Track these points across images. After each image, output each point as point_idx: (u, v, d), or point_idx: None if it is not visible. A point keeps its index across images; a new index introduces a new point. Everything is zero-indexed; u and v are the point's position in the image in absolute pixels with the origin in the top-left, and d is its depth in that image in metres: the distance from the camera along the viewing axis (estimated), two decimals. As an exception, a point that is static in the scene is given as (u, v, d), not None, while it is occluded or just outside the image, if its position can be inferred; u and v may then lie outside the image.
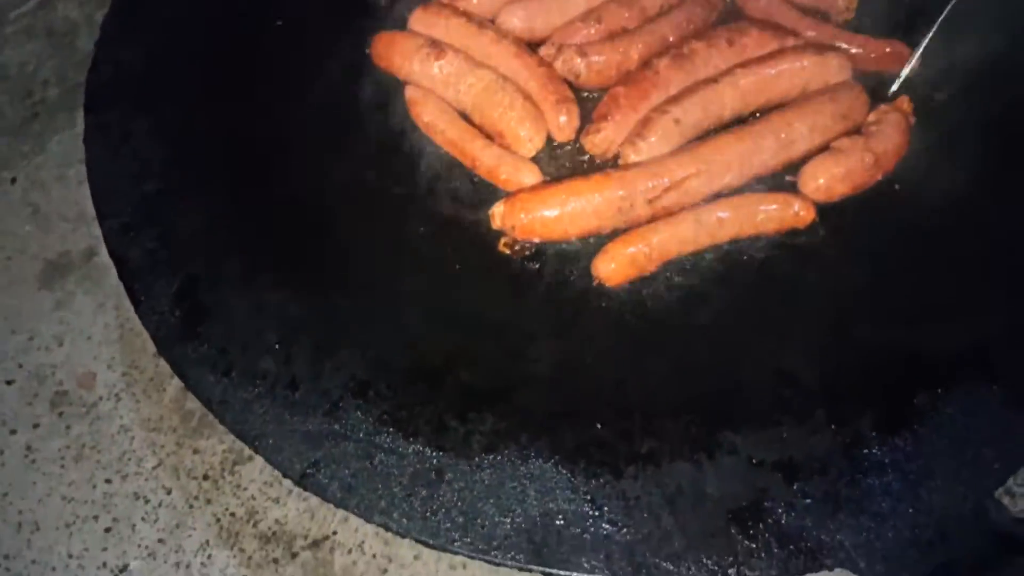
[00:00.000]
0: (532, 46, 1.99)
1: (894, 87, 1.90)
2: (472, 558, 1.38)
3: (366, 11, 2.10)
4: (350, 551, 1.70)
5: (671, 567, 1.35)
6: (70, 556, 1.77)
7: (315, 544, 1.71)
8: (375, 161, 1.87)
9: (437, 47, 1.87)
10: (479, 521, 1.39)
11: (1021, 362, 1.55)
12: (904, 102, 1.85)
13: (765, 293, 1.68)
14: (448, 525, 1.39)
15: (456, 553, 1.38)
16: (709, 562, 1.35)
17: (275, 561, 1.70)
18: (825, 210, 1.75)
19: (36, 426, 1.99)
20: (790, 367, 1.57)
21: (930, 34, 1.87)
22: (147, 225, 1.73)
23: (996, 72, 1.83)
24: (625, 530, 1.38)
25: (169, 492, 1.91)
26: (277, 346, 1.59)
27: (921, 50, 1.90)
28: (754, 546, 1.36)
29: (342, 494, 1.42)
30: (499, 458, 1.46)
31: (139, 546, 1.77)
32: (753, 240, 1.73)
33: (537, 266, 1.73)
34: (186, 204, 1.76)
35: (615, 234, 1.71)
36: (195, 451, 2.07)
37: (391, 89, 1.95)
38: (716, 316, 1.65)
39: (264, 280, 1.68)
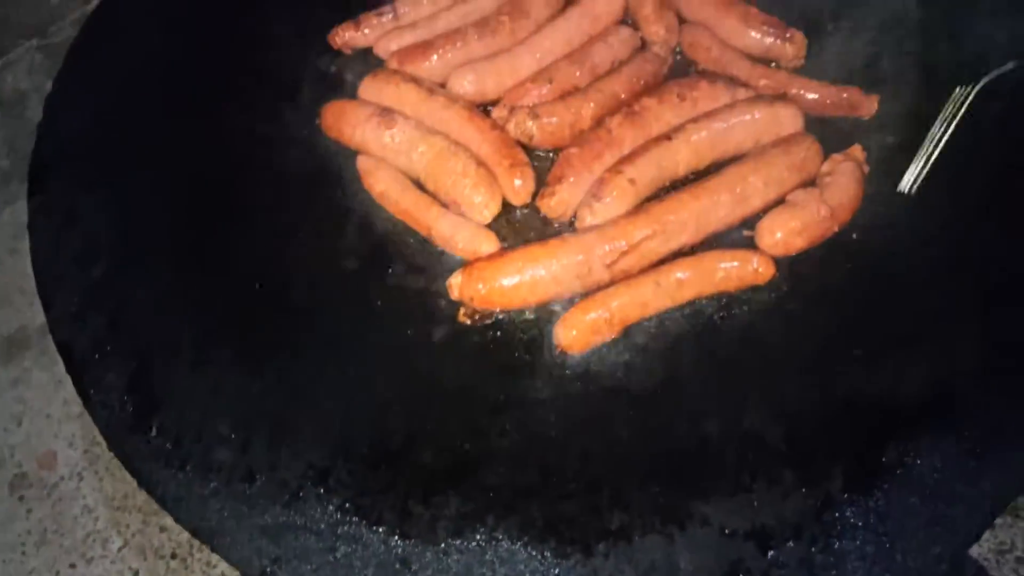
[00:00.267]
0: (485, 108, 1.99)
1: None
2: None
3: (317, 78, 2.08)
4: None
5: (647, 650, 1.31)
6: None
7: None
8: (329, 233, 1.84)
9: (387, 115, 1.85)
10: (448, 611, 1.35)
11: (985, 407, 1.54)
12: (857, 150, 1.86)
13: (728, 351, 1.66)
14: (415, 617, 1.34)
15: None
16: (686, 642, 1.32)
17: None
18: (785, 264, 1.74)
19: (-6, 512, 1.93)
20: (756, 427, 1.55)
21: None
22: (95, 312, 1.68)
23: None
24: (599, 612, 1.35)
25: (136, 574, 1.84)
26: (232, 435, 1.55)
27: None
28: (731, 621, 1.33)
29: (305, 590, 1.37)
30: (466, 543, 1.42)
31: (107, 634, 1.70)
32: (715, 298, 1.72)
33: (499, 335, 1.70)
34: (134, 287, 1.72)
35: (576, 299, 1.69)
36: (162, 528, 2.02)
37: (343, 158, 1.92)
38: (680, 378, 1.63)
39: (217, 363, 1.63)
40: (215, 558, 1.91)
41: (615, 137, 1.85)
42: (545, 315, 1.71)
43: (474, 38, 2.01)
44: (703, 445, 1.54)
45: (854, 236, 1.79)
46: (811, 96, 1.95)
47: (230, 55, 2.04)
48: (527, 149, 1.90)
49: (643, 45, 2.09)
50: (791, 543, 1.41)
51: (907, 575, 1.37)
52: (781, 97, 1.94)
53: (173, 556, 2.03)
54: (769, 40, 2.03)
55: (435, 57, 1.99)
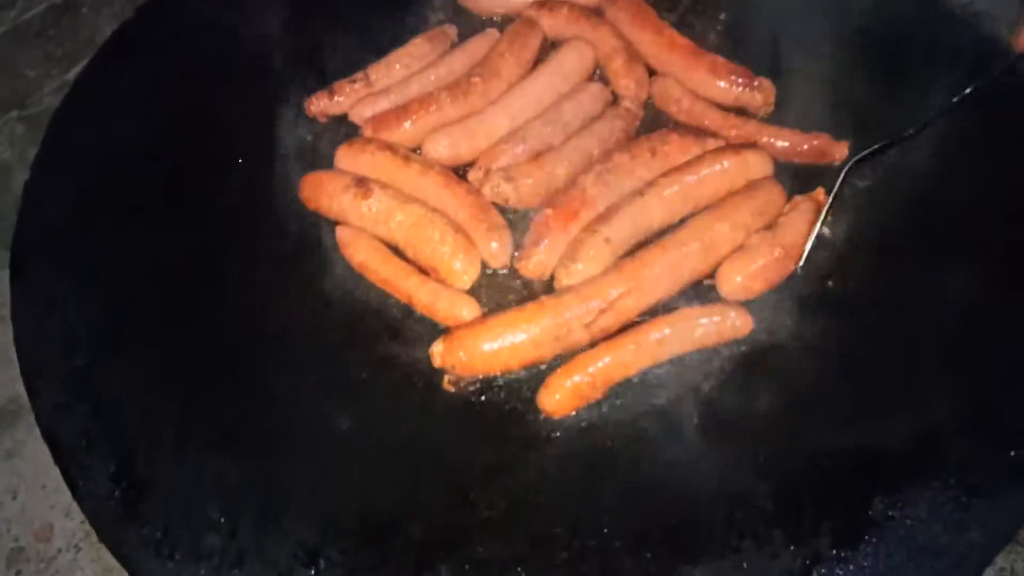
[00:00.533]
0: (461, 170, 2.01)
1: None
2: None
3: (294, 148, 2.09)
4: None
5: None
6: None
7: None
8: (310, 305, 1.85)
9: (363, 186, 1.87)
10: None
11: (968, 458, 1.55)
12: (819, 193, 1.88)
13: (711, 409, 1.67)
14: None
15: None
16: None
17: None
18: (763, 316, 1.76)
19: (-8, 589, 1.92)
20: (742, 485, 1.56)
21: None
22: (79, 401, 1.68)
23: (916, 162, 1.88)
24: None
25: (135, 645, 1.81)
26: (221, 519, 1.55)
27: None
28: None
29: None
30: (458, 617, 1.43)
31: None
32: (696, 353, 1.73)
33: (484, 400, 1.71)
34: (118, 373, 1.72)
35: (559, 361, 1.70)
36: (159, 599, 1.99)
37: (324, 229, 1.94)
38: (663, 437, 1.64)
39: (203, 445, 1.64)
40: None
41: (589, 196, 1.87)
42: (529, 378, 1.72)
43: (447, 101, 2.03)
44: (691, 506, 1.55)
45: (830, 284, 1.81)
46: (781, 144, 1.98)
47: (206, 133, 2.05)
48: (504, 210, 1.92)
49: (614, 99, 2.11)
50: (782, 604, 1.42)
51: (899, 634, 1.38)
52: (749, 144, 1.97)
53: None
54: (738, 89, 2.06)
55: (409, 123, 2.01)
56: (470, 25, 2.32)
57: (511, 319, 1.69)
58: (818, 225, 1.82)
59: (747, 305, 1.75)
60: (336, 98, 2.11)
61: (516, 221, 1.94)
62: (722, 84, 2.07)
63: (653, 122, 2.12)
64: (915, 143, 1.89)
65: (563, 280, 1.78)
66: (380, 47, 2.21)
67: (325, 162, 2.03)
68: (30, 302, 1.80)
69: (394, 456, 1.64)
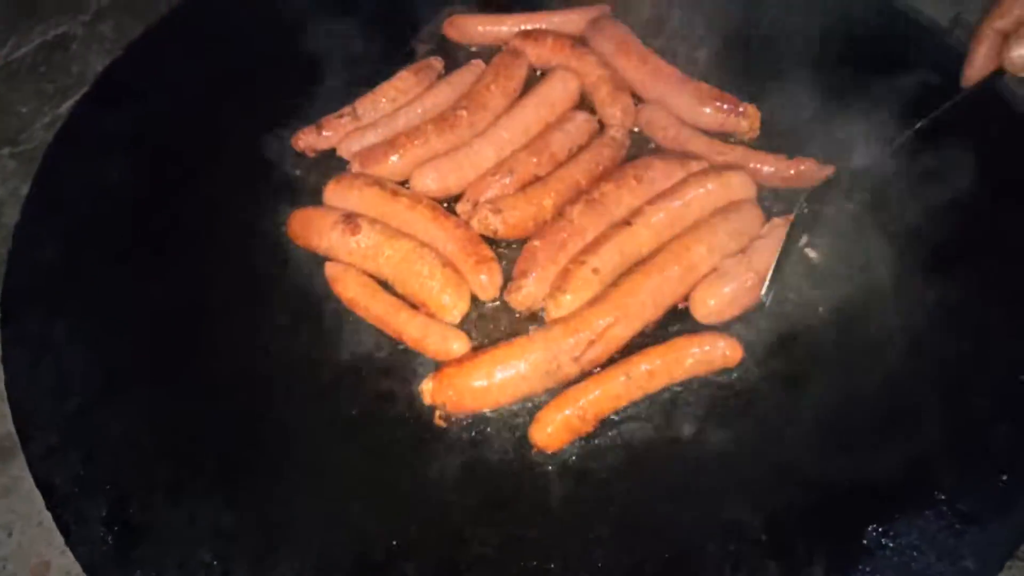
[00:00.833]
0: (449, 201, 2.02)
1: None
2: None
3: (283, 184, 2.10)
4: None
5: None
6: None
7: None
8: (301, 343, 1.84)
9: (351, 222, 1.88)
10: None
11: (961, 484, 1.56)
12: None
13: (703, 439, 1.67)
14: None
15: None
16: None
17: None
18: (752, 344, 1.76)
19: (-10, 631, 1.91)
20: (735, 516, 1.56)
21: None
22: (73, 445, 1.68)
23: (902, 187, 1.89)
24: None
25: None
26: (214, 562, 1.54)
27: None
28: None
29: None
30: (453, 659, 1.42)
31: None
32: (686, 383, 1.73)
33: (475, 435, 1.71)
34: (110, 416, 1.72)
35: (550, 394, 1.71)
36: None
37: (312, 265, 1.94)
38: (655, 470, 1.64)
39: (195, 489, 1.63)
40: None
41: (577, 226, 1.87)
42: (521, 412, 1.72)
43: (434, 134, 2.04)
44: (685, 539, 1.55)
45: (820, 310, 1.81)
46: (768, 169, 1.99)
47: (194, 171, 2.06)
48: (492, 242, 1.93)
49: (600, 127, 2.12)
50: (777, 638, 1.42)
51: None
52: (731, 166, 1.98)
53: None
54: (723, 115, 2.07)
55: (396, 156, 2.02)
56: (456, 56, 2.34)
57: (500, 355, 1.69)
58: (786, 249, 1.83)
59: (734, 333, 1.75)
60: (324, 133, 2.12)
61: (505, 253, 1.95)
62: (708, 111, 2.08)
63: (639, 150, 2.13)
64: (901, 168, 1.89)
65: (553, 312, 1.79)
66: (367, 80, 2.22)
67: (314, 198, 2.03)
68: (21, 346, 1.80)
69: (387, 494, 1.64)
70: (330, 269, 1.89)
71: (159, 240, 1.99)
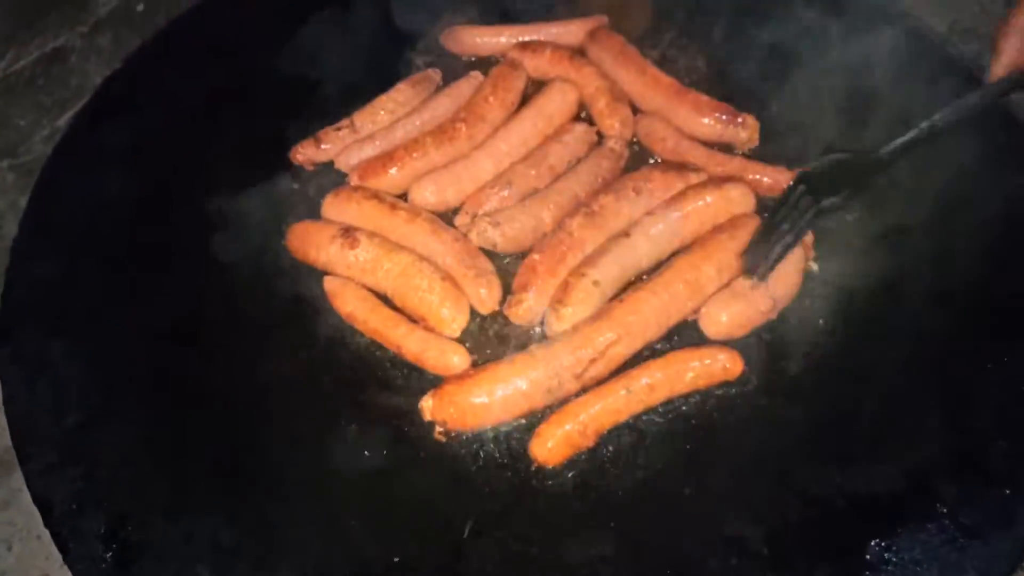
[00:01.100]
0: (447, 215, 2.02)
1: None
2: None
3: (282, 197, 2.10)
4: None
5: None
6: None
7: None
8: (300, 358, 1.84)
9: (350, 236, 1.87)
10: None
11: (962, 497, 1.55)
12: (807, 237, 1.88)
13: (703, 454, 1.67)
14: None
15: None
16: None
17: None
18: (753, 356, 1.75)
19: (-11, 645, 1.90)
20: (736, 530, 1.56)
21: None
22: (71, 462, 1.68)
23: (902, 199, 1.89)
24: None
25: None
26: (213, 579, 1.54)
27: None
28: None
29: None
30: None
31: None
32: (687, 396, 1.72)
33: (475, 451, 1.70)
34: (109, 432, 1.71)
35: (550, 410, 1.70)
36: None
37: (312, 279, 1.93)
38: (656, 484, 1.64)
39: (194, 505, 1.63)
40: None
41: (576, 239, 1.87)
42: (521, 426, 1.71)
43: (432, 147, 2.04)
44: (686, 554, 1.54)
45: (821, 322, 1.81)
46: (767, 181, 1.99)
47: (192, 184, 2.06)
48: (491, 255, 1.92)
49: (599, 138, 2.12)
50: (780, 654, 1.41)
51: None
52: (730, 178, 1.97)
53: None
54: (722, 126, 2.07)
55: (395, 169, 2.02)
56: (454, 68, 2.34)
57: (501, 373, 1.68)
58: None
59: (736, 346, 1.74)
60: (322, 145, 2.12)
61: (504, 266, 1.94)
62: (706, 121, 2.08)
63: (638, 160, 2.13)
64: (902, 179, 1.89)
65: (554, 325, 1.78)
66: (365, 93, 2.22)
67: (313, 211, 2.03)
68: (18, 365, 1.79)
69: (386, 510, 1.63)
70: (328, 283, 1.89)
71: (157, 255, 1.98)
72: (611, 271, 1.83)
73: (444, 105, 2.16)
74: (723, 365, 1.70)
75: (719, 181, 1.96)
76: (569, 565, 1.54)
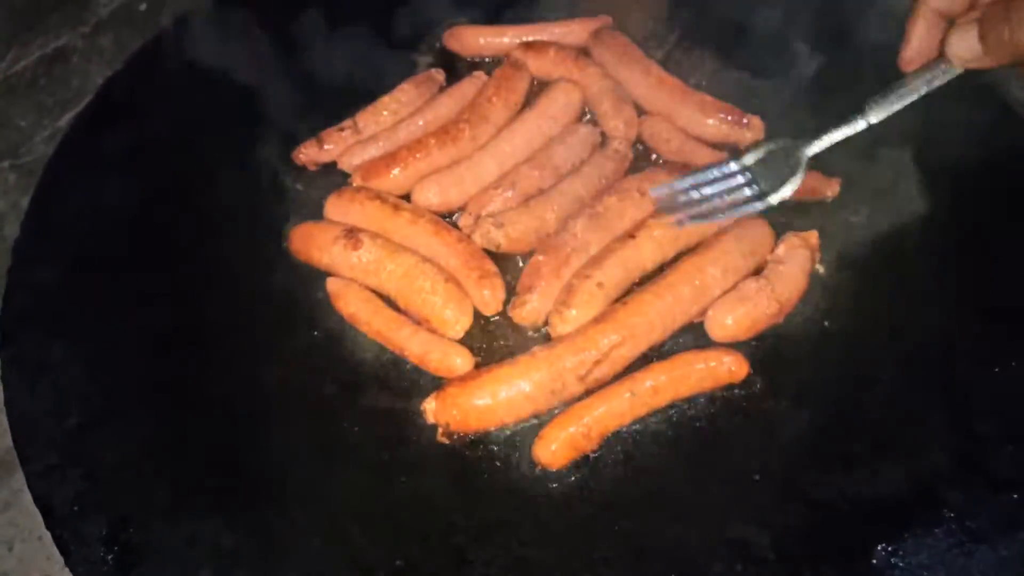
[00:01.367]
0: (451, 215, 2.01)
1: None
2: None
3: (284, 198, 2.09)
4: None
5: None
6: None
7: None
8: (302, 359, 1.83)
9: (353, 237, 1.86)
10: None
11: (968, 498, 1.54)
12: (813, 236, 1.87)
13: (708, 457, 1.66)
14: None
15: None
16: None
17: None
18: (758, 359, 1.74)
19: (-9, 646, 1.88)
20: (741, 534, 1.55)
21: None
22: (72, 464, 1.67)
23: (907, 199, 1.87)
24: None
25: None
26: (215, 583, 1.53)
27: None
28: None
29: None
30: None
31: None
32: (691, 399, 1.71)
33: (478, 453, 1.69)
34: (110, 434, 1.71)
35: (553, 412, 1.69)
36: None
37: (315, 280, 1.92)
38: (661, 488, 1.63)
39: (196, 508, 1.62)
40: None
41: (580, 241, 1.86)
42: (524, 429, 1.70)
43: (435, 148, 2.03)
44: (691, 558, 1.53)
45: (826, 324, 1.80)
46: (772, 181, 1.97)
47: (194, 185, 2.05)
48: (495, 256, 1.91)
49: (603, 139, 2.11)
50: (786, 659, 1.40)
51: None
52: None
53: None
54: (727, 127, 2.06)
55: (398, 170, 2.01)
56: (457, 68, 2.33)
57: (504, 375, 1.66)
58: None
59: (739, 349, 1.73)
60: (325, 146, 2.11)
61: (508, 267, 1.93)
62: (711, 122, 2.07)
63: (642, 162, 2.11)
64: (907, 179, 1.88)
65: (557, 327, 1.77)
66: (368, 93, 2.21)
67: (315, 212, 2.02)
68: (20, 368, 1.78)
69: (389, 513, 1.62)
70: (331, 284, 1.88)
71: (158, 255, 1.98)
72: (615, 274, 1.82)
73: (447, 106, 2.15)
74: (728, 368, 1.69)
75: (725, 184, 1.95)
76: (572, 568, 1.53)
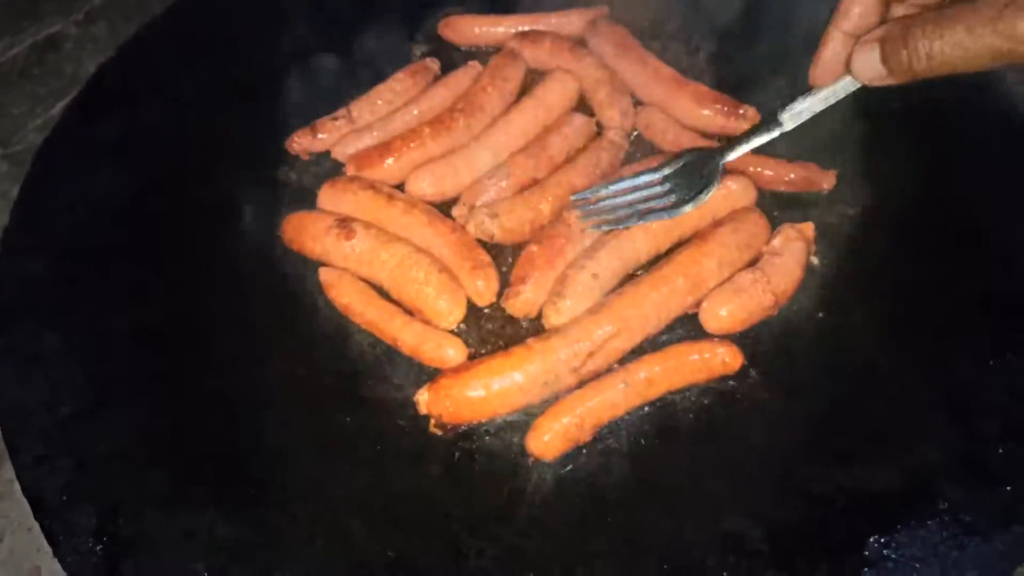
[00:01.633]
0: (445, 205, 1.99)
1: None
2: None
3: (277, 188, 2.07)
4: None
5: None
6: None
7: None
8: (295, 350, 1.82)
9: (346, 226, 1.85)
10: None
11: (963, 496, 1.53)
12: (808, 228, 1.86)
13: (701, 449, 1.65)
14: None
15: None
16: None
17: None
18: (752, 351, 1.74)
19: (-21, 640, 1.88)
20: (735, 527, 1.54)
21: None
22: (62, 454, 1.65)
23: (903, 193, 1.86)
24: None
25: None
26: (207, 575, 1.51)
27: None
28: None
29: None
30: None
31: None
32: (685, 391, 1.71)
33: (471, 445, 1.68)
34: (102, 424, 1.69)
35: (547, 404, 1.68)
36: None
37: (308, 270, 1.91)
38: (655, 481, 1.62)
39: (190, 500, 1.60)
40: None
41: (575, 231, 1.85)
42: (518, 420, 1.69)
43: (429, 137, 2.01)
44: (685, 551, 1.52)
45: (820, 315, 1.79)
46: (768, 173, 1.96)
47: (186, 174, 2.04)
48: (489, 247, 1.90)
49: (599, 130, 2.10)
50: (778, 651, 1.39)
51: None
52: (732, 170, 1.94)
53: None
54: (723, 118, 2.05)
55: (392, 160, 1.99)
56: (452, 58, 2.31)
57: (497, 366, 1.65)
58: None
59: (734, 340, 1.73)
60: (319, 135, 2.09)
61: (502, 257, 1.92)
62: (707, 113, 2.06)
63: (639, 152, 2.10)
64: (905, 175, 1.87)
65: (552, 318, 1.76)
66: (362, 82, 2.19)
67: (309, 201, 2.01)
68: (11, 357, 1.77)
69: (384, 503, 1.61)
70: (324, 274, 1.87)
71: (150, 245, 1.96)
72: (610, 265, 1.81)
73: (442, 95, 2.14)
74: (722, 359, 1.68)
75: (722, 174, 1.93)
76: (566, 559, 1.52)
